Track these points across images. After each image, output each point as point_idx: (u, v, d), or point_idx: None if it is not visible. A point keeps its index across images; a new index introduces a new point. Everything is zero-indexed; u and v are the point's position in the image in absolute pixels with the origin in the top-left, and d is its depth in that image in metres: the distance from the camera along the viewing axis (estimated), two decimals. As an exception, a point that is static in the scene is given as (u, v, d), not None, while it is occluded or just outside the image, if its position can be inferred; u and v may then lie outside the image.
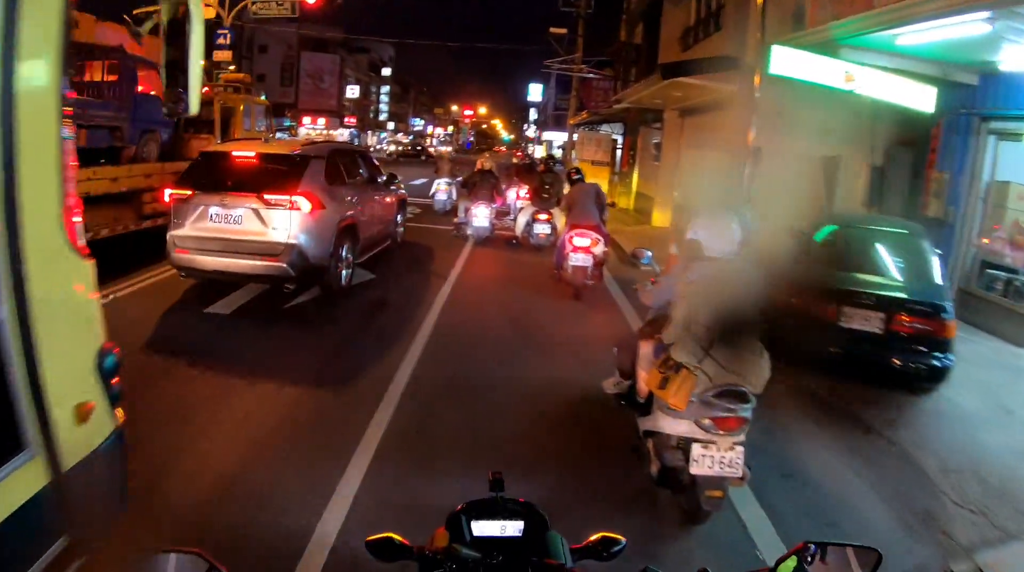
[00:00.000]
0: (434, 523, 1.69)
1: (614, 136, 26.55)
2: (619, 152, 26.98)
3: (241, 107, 16.22)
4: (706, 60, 13.14)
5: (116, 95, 11.38)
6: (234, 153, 8.70)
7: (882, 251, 7.43)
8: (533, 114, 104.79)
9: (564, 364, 7.25)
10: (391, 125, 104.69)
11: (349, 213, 9.21)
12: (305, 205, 8.06)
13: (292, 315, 8.46)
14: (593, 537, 1.73)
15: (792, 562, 1.45)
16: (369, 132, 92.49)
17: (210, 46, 22.72)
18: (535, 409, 5.94)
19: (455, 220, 16.20)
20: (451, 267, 11.87)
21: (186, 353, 6.68)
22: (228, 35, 24.86)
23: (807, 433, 5.89)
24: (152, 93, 12.37)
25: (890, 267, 7.26)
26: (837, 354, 6.69)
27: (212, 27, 23.31)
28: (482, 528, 1.60)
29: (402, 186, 13.23)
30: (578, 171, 12.29)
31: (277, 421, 5.41)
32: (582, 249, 10.15)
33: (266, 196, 8.01)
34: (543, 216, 13.43)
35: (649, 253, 5.46)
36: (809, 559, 1.45)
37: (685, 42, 18.12)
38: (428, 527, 1.71)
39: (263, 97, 24.02)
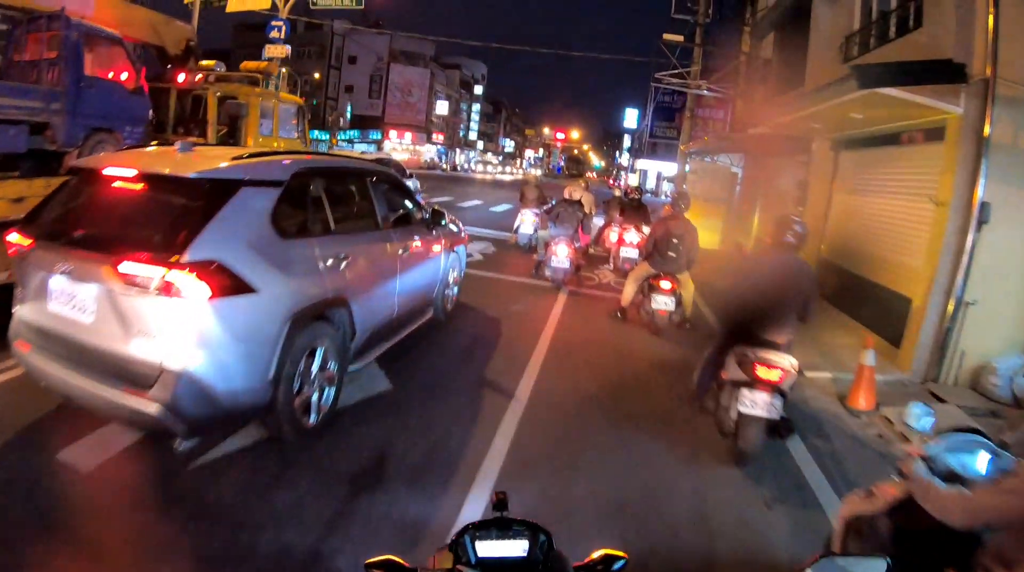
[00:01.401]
0: None
1: (733, 169, 22.11)
2: (738, 188, 22.53)
3: (256, 104, 12.41)
4: (920, 65, 8.80)
5: (50, 78, 7.80)
6: (106, 171, 4.43)
7: None
8: (627, 141, 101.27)
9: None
10: (480, 144, 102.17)
11: (329, 288, 5.10)
12: (194, 290, 3.90)
13: (201, 486, 4.29)
14: (595, 555, 1.78)
15: None
16: (457, 150, 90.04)
17: (263, 39, 19.61)
18: None
19: (535, 257, 13.39)
20: (522, 364, 7.46)
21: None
22: (283, 28, 21.78)
23: None
24: (113, 77, 8.71)
25: None
26: None
27: (266, 19, 20.33)
28: (486, 548, 1.60)
29: (456, 225, 9.17)
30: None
31: None
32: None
33: (123, 267, 3.91)
34: (665, 284, 9.20)
35: None
36: None
37: (847, 51, 13.67)
38: None
39: (296, 93, 20.37)
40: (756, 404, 5.03)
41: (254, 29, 74.10)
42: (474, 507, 4.28)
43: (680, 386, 7.09)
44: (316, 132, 71.56)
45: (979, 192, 8.18)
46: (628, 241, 13.81)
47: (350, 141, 73.84)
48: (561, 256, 11.46)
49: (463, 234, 9.28)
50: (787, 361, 5.11)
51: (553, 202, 15.71)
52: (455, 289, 9.04)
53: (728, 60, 22.62)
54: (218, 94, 12.42)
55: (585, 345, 8.53)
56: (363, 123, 75.79)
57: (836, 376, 8.48)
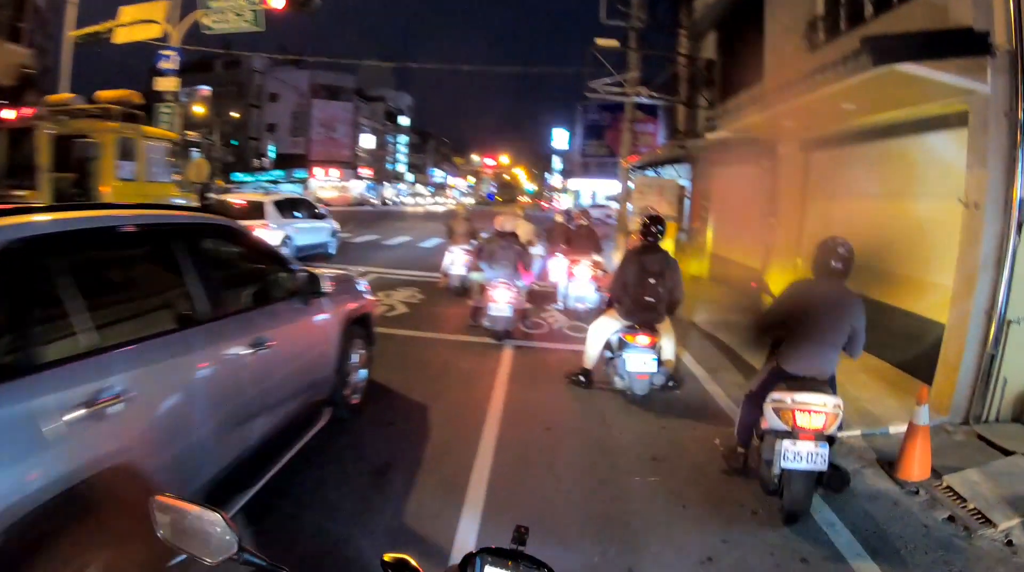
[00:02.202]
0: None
1: (681, 182, 20.24)
2: (687, 202, 20.66)
3: (111, 142, 9.95)
4: (941, 36, 6.92)
5: None
6: None
7: None
8: (557, 162, 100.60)
9: None
10: (410, 176, 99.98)
11: (79, 464, 2.68)
12: None
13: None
14: None
15: None
16: (386, 183, 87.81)
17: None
18: None
19: (470, 303, 11.09)
20: (460, 488, 5.03)
21: None
22: (175, 57, 19.34)
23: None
24: None
25: None
26: None
27: (155, 48, 18.04)
28: None
29: (356, 286, 6.93)
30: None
31: None
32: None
33: None
34: (642, 339, 7.00)
35: None
36: None
37: (811, 39, 11.85)
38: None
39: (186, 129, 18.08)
40: (800, 456, 4.52)
41: (178, 73, 71.51)
42: None
43: (698, 495, 5.06)
44: (240, 175, 69.08)
45: (1019, 189, 6.51)
46: (579, 275, 11.66)
47: (274, 181, 71.07)
48: (501, 303, 9.30)
49: (367, 296, 6.98)
50: (831, 403, 4.65)
51: (473, 242, 13.56)
52: (362, 372, 6.68)
53: (667, 65, 20.83)
54: (52, 132, 9.85)
55: (547, 438, 6.23)
56: (288, 162, 73.10)
57: (867, 432, 6.65)
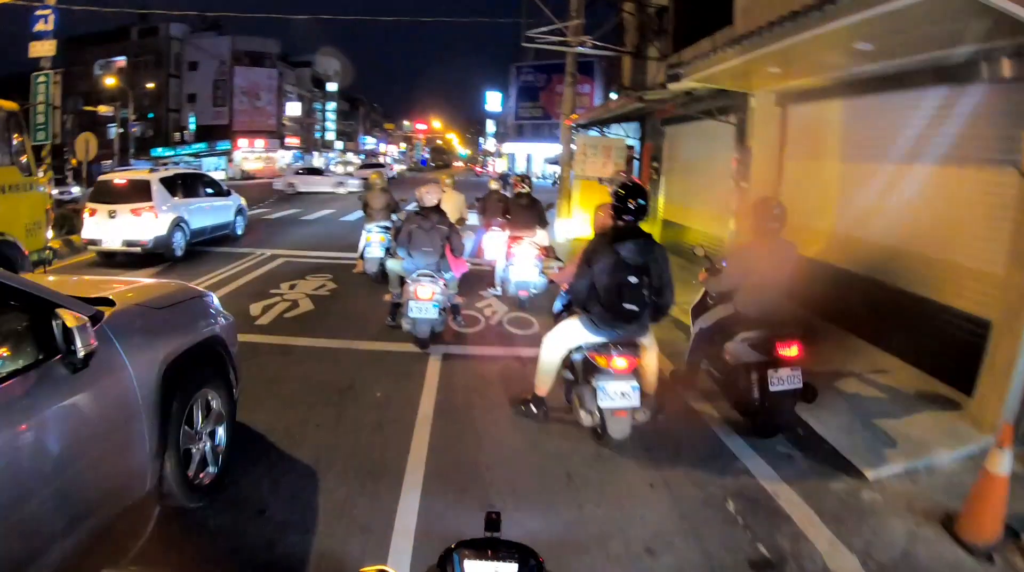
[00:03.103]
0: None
1: (629, 141, 18.26)
2: (636, 164, 18.70)
3: None
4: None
5: None
6: None
7: None
8: (491, 126, 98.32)
9: None
10: (339, 145, 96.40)
11: None
12: None
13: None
14: None
15: None
16: (315, 153, 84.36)
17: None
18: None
19: (387, 298, 8.98)
20: None
21: None
22: (51, 17, 16.72)
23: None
24: None
25: None
26: None
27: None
28: (475, 569, 1.51)
29: (203, 302, 4.86)
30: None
31: None
32: None
33: None
34: (620, 362, 5.00)
35: None
36: None
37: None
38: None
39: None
40: (783, 380, 5.20)
41: (90, 43, 67.58)
42: None
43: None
44: (160, 150, 65.24)
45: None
46: (520, 255, 9.63)
47: (196, 154, 67.41)
48: (424, 302, 7.24)
49: (217, 319, 4.83)
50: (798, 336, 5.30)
51: (395, 218, 11.38)
52: (219, 432, 4.61)
53: (611, 15, 18.76)
54: None
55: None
56: (210, 134, 69.30)
57: (910, 467, 5.03)
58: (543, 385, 5.53)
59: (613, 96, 21.13)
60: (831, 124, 9.23)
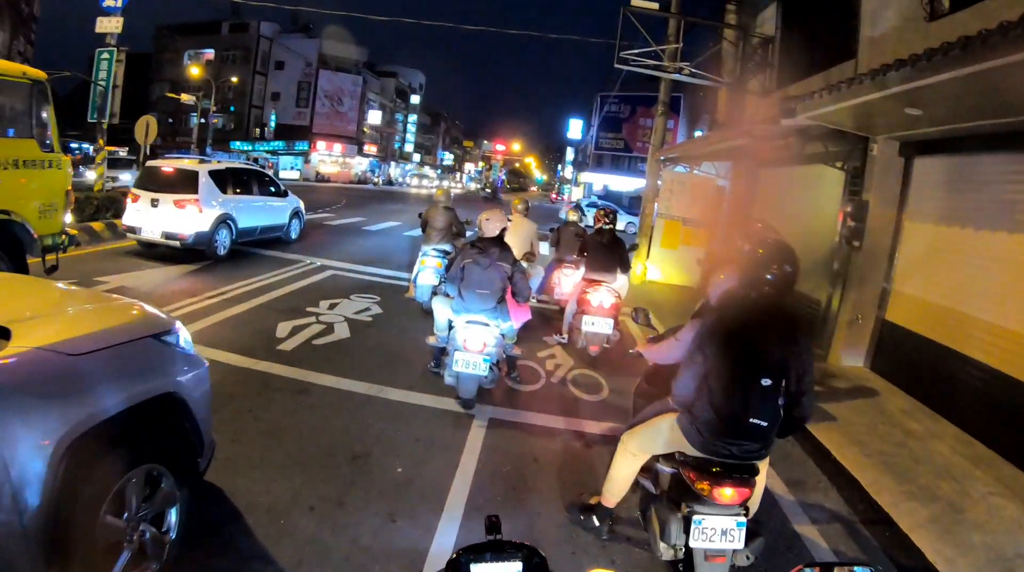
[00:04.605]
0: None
1: (720, 182, 16.76)
2: (725, 207, 17.16)
3: None
4: None
5: None
6: None
7: None
8: (570, 153, 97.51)
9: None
10: (417, 157, 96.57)
11: None
12: None
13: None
14: None
15: None
16: (392, 163, 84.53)
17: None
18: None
19: (431, 341, 6.99)
20: None
21: None
22: (120, -9, 16.15)
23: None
24: None
25: None
26: None
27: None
28: (482, 571, 1.54)
29: (158, 338, 3.50)
30: None
31: None
32: None
33: None
34: (727, 492, 3.47)
35: None
36: None
37: (933, 4, 8.46)
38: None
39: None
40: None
41: (182, 32, 69.40)
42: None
43: None
44: (238, 143, 66.05)
45: None
46: (595, 304, 8.25)
47: (274, 152, 68.00)
48: (472, 352, 5.90)
49: (176, 365, 3.53)
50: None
51: (451, 247, 9.97)
52: (171, 525, 3.38)
53: (710, 44, 17.34)
54: None
55: None
56: (289, 133, 69.98)
57: None
58: (612, 495, 4.11)
59: (698, 134, 19.77)
60: (961, 182, 7.73)
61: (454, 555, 1.56)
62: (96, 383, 2.89)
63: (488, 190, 60.92)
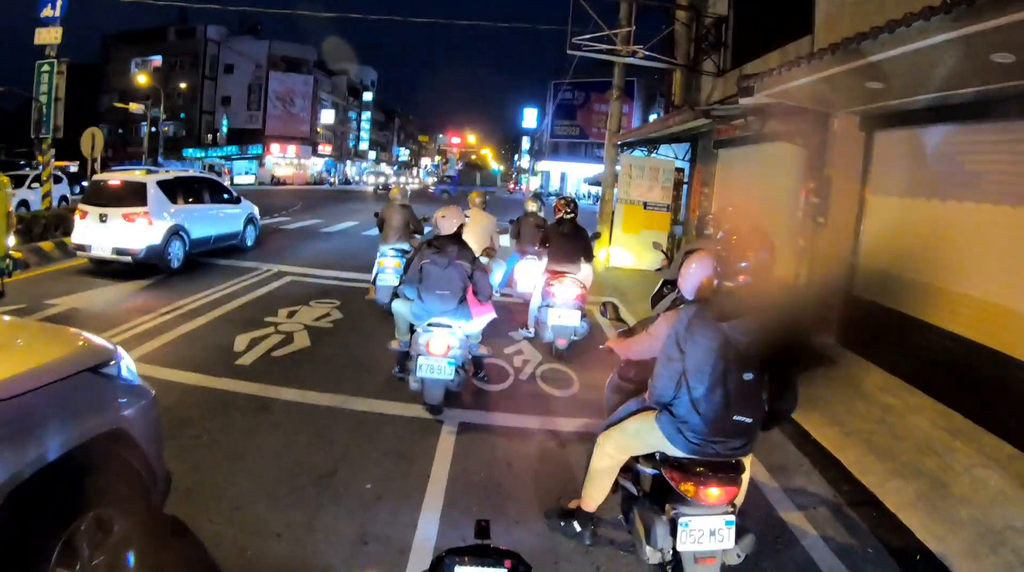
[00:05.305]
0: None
1: (678, 163, 16.68)
2: (685, 188, 17.09)
3: None
4: None
5: None
6: None
7: None
8: (526, 143, 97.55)
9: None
10: (372, 154, 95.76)
11: None
12: None
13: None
14: None
15: None
16: (347, 162, 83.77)
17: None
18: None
19: (394, 345, 6.83)
20: None
21: None
22: (59, 3, 15.56)
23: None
24: None
25: None
26: None
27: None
28: None
29: (105, 371, 3.25)
30: None
31: None
32: None
33: None
34: (713, 492, 3.35)
35: None
36: None
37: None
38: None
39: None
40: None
41: (128, 40, 67.80)
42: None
43: None
44: (191, 150, 65.00)
45: None
46: (561, 296, 8.06)
47: (227, 157, 67.01)
48: (436, 356, 5.70)
49: (129, 402, 3.31)
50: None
51: (409, 246, 9.80)
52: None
53: (662, 26, 17.21)
54: None
55: None
56: (242, 138, 69.04)
57: None
58: (592, 499, 3.93)
59: (653, 117, 19.67)
60: (924, 155, 7.68)
61: (441, 555, 1.61)
62: (32, 427, 2.63)
63: (445, 189, 58.79)
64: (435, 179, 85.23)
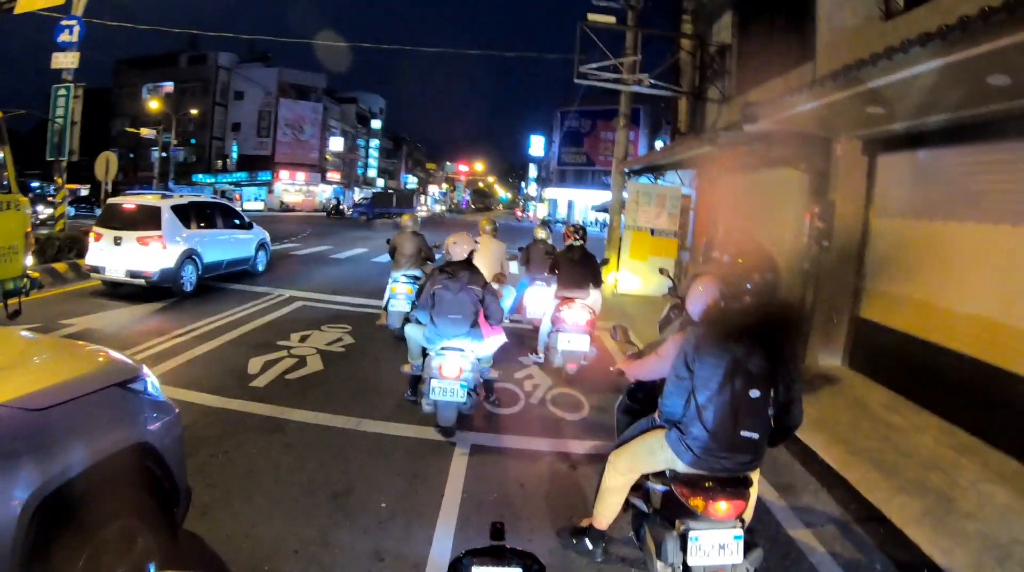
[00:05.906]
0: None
1: (685, 190, 16.82)
2: (692, 215, 17.20)
3: None
4: None
5: None
6: None
7: None
8: (532, 170, 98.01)
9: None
10: (380, 182, 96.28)
11: None
12: None
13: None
14: None
15: None
16: (356, 189, 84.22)
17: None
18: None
19: (406, 369, 6.89)
20: None
21: None
22: (76, 29, 15.88)
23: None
24: None
25: None
26: None
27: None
28: None
29: (128, 388, 3.31)
30: None
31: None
32: None
33: None
34: (722, 507, 3.42)
35: None
36: None
37: (888, 5, 8.60)
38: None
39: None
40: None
41: (140, 66, 68.63)
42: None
43: None
44: (201, 176, 65.57)
45: None
46: (570, 321, 8.17)
47: (237, 183, 67.54)
48: (448, 379, 5.83)
49: (153, 417, 3.38)
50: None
51: (421, 272, 9.96)
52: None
53: (667, 55, 17.43)
54: None
55: None
56: (252, 164, 69.60)
57: None
58: (603, 517, 4.02)
59: (659, 144, 19.86)
60: (929, 177, 7.80)
61: (459, 556, 1.65)
62: (62, 439, 2.74)
63: (363, 212, 58.17)
64: (444, 207, 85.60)
